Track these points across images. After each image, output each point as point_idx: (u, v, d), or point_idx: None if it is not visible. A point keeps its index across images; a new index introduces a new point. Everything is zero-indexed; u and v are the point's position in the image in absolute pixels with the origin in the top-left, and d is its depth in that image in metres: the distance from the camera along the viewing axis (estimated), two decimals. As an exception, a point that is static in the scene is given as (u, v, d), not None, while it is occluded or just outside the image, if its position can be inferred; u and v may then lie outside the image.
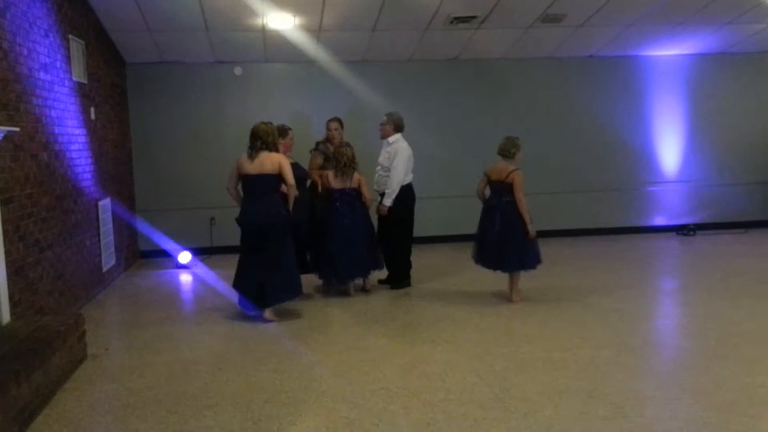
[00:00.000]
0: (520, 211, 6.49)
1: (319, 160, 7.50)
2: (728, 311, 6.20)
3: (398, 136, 7.31)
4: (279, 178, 6.11)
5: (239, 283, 6.32)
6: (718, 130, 10.75)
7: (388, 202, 7.17)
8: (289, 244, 6.26)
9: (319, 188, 7.21)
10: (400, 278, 7.46)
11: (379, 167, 7.32)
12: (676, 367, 4.97)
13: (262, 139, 6.11)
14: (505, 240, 6.53)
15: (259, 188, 6.11)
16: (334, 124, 7.64)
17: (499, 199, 6.64)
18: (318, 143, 7.73)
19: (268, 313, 6.23)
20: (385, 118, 7.42)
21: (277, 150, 6.24)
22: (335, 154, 7.08)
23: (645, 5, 8.46)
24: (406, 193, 7.26)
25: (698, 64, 10.63)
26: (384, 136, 7.36)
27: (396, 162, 7.13)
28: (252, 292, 6.20)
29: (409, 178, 7.29)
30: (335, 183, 6.99)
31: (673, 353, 5.37)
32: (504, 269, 6.73)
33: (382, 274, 7.47)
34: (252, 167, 6.09)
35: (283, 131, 6.91)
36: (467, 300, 6.90)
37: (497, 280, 7.65)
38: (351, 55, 9.52)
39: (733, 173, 10.83)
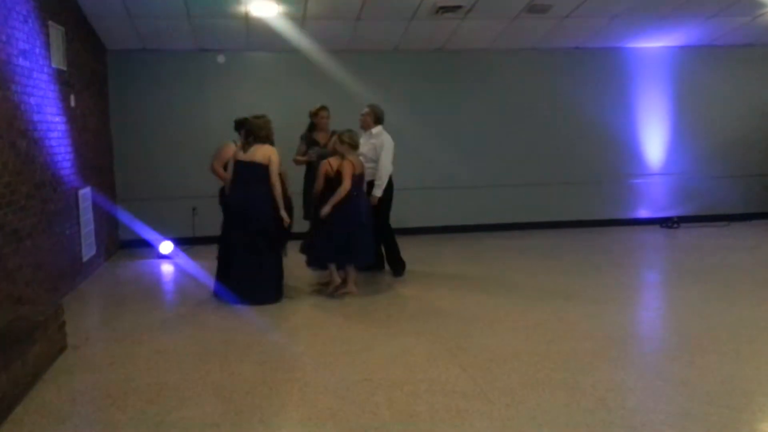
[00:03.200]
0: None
1: (303, 148, 7.57)
2: (711, 303, 6.24)
3: (380, 128, 7.35)
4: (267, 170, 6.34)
5: (224, 278, 6.49)
6: (702, 122, 10.80)
7: (378, 192, 7.21)
8: (278, 231, 6.43)
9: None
10: (396, 265, 7.54)
11: (361, 157, 7.26)
12: (659, 359, 4.99)
13: (254, 134, 6.42)
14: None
15: (249, 175, 6.36)
16: (324, 112, 7.64)
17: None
18: (307, 130, 7.72)
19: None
20: (367, 109, 7.42)
21: (272, 143, 6.47)
22: (347, 144, 6.85)
23: (630, -3, 8.47)
24: (387, 184, 7.34)
25: (683, 57, 10.67)
26: (365, 127, 7.36)
27: (383, 154, 7.20)
28: (239, 287, 6.36)
29: (390, 170, 7.32)
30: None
31: (656, 345, 5.39)
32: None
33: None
34: (245, 155, 6.40)
35: (242, 123, 7.02)
36: (450, 291, 6.89)
37: (480, 272, 7.67)
38: (335, 44, 9.45)
39: (716, 166, 10.89)
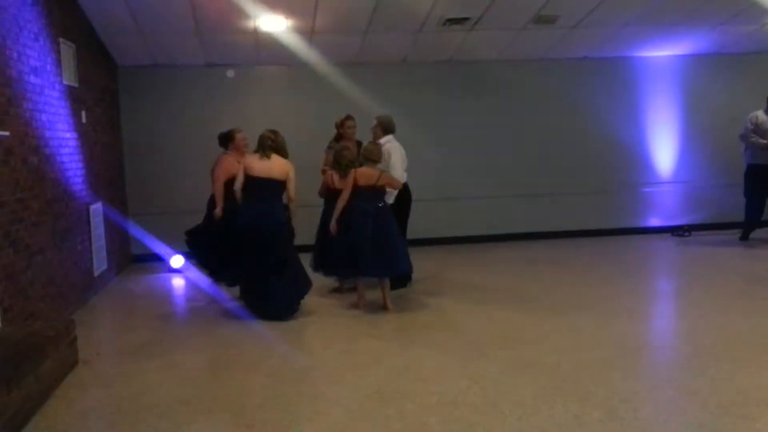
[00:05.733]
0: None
1: (330, 159, 7.47)
2: (723, 313, 6.18)
3: (389, 137, 7.31)
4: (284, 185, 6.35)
5: (249, 298, 6.54)
6: (712, 130, 10.75)
7: (389, 199, 7.15)
8: (293, 252, 6.42)
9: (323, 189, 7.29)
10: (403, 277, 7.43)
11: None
12: (672, 368, 4.96)
13: (266, 145, 6.39)
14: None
15: (263, 191, 6.32)
16: (350, 122, 7.63)
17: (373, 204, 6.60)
18: (332, 141, 7.72)
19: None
20: (375, 121, 7.42)
21: (285, 156, 6.42)
22: (336, 156, 7.06)
23: (638, 6, 8.47)
24: (403, 192, 7.25)
25: (692, 65, 10.65)
26: (375, 139, 7.36)
27: (392, 161, 7.11)
28: (264, 305, 6.36)
29: (404, 177, 7.27)
30: (340, 184, 6.91)
31: (668, 355, 5.35)
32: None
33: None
34: (261, 170, 6.31)
35: (230, 136, 7.18)
36: (460, 303, 6.87)
37: (490, 283, 7.65)
38: (343, 57, 9.49)
39: (727, 174, 10.80)
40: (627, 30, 9.29)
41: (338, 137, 7.69)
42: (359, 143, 7.48)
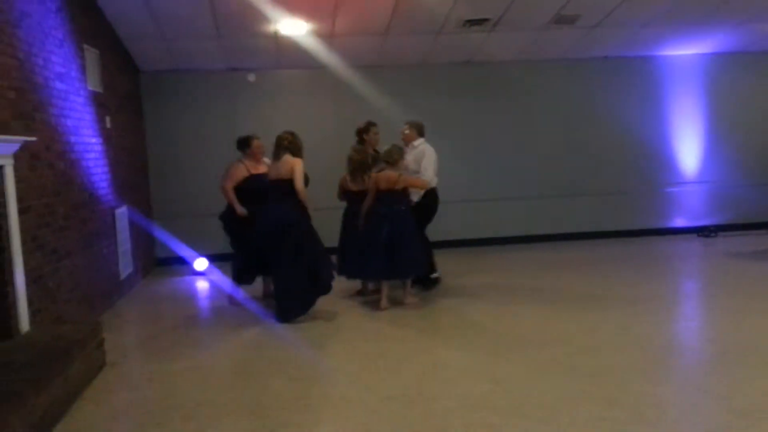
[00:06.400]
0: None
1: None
2: (749, 315, 6.10)
3: (422, 140, 7.41)
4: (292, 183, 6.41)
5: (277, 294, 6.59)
6: (737, 129, 10.63)
7: (414, 197, 7.17)
8: (312, 245, 6.46)
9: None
10: (426, 278, 7.47)
11: (406, 171, 7.34)
12: (697, 372, 4.91)
13: (276, 145, 6.53)
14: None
15: (277, 192, 6.45)
16: (374, 129, 7.61)
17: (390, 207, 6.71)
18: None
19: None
20: (406, 125, 7.50)
21: (299, 155, 6.51)
22: (350, 160, 7.14)
23: (660, 4, 8.39)
24: (431, 195, 7.30)
25: (716, 64, 10.53)
26: (407, 141, 7.41)
27: (425, 162, 7.22)
28: (290, 300, 6.41)
29: (434, 182, 7.31)
30: (353, 185, 7.12)
31: (694, 358, 5.30)
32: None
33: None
34: (272, 173, 6.53)
35: (247, 142, 7.21)
36: (483, 305, 6.85)
37: (512, 284, 7.62)
38: (363, 59, 9.51)
39: (753, 173, 10.70)
40: (648, 29, 9.22)
41: (361, 143, 7.70)
42: (376, 151, 7.56)
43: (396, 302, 6.83)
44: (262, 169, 7.04)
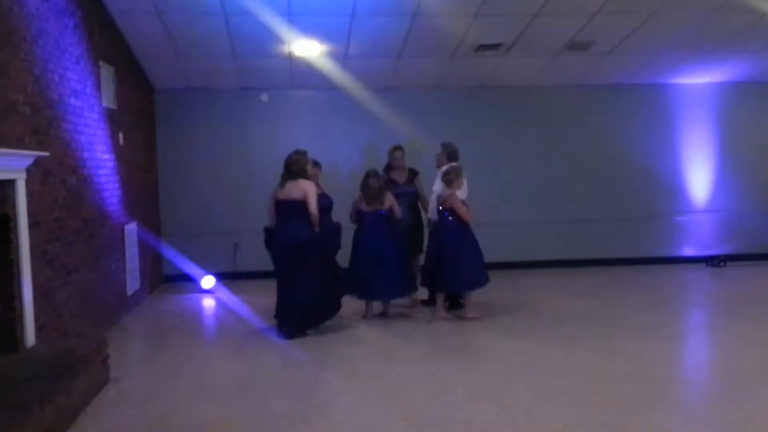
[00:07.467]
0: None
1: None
2: (759, 345, 6.04)
3: (453, 164, 7.43)
4: (305, 204, 6.52)
5: (278, 312, 6.66)
6: (748, 158, 10.58)
7: (432, 215, 7.35)
8: (319, 267, 6.53)
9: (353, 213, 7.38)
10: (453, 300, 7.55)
11: (434, 195, 7.41)
12: (706, 402, 4.85)
13: (289, 169, 6.65)
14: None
15: (287, 212, 6.56)
16: (399, 153, 7.88)
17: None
18: (384, 169, 7.90)
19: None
20: (440, 148, 7.63)
21: (306, 177, 6.65)
22: (363, 186, 7.21)
23: (673, 33, 8.41)
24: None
25: (728, 93, 10.51)
26: (439, 166, 7.52)
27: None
28: (292, 317, 6.49)
29: None
30: (366, 207, 7.21)
31: (703, 388, 5.24)
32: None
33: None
34: (282, 193, 6.60)
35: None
36: (490, 329, 6.80)
37: (520, 309, 7.58)
38: (377, 81, 9.55)
39: (763, 203, 10.63)
40: (661, 57, 9.23)
41: (388, 166, 7.90)
42: (412, 171, 7.87)
43: (405, 328, 6.79)
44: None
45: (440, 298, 7.27)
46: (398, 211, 7.23)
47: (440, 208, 7.11)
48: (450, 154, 7.56)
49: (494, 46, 8.57)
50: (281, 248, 6.59)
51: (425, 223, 7.79)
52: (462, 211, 7.04)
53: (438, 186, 7.40)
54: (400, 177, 7.86)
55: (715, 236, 10.67)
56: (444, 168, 7.26)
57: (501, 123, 10.23)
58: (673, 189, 10.59)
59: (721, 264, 10.27)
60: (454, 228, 7.04)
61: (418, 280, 7.45)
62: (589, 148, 10.34)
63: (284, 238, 6.56)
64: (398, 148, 7.92)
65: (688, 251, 10.68)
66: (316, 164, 7.39)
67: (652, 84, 10.34)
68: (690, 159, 10.58)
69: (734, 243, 10.56)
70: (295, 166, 6.62)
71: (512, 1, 7.40)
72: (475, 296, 7.25)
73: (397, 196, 7.39)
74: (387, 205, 7.16)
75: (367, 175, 7.22)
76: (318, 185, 7.12)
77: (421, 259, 7.68)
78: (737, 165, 10.60)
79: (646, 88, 10.37)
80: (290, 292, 6.50)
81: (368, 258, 7.04)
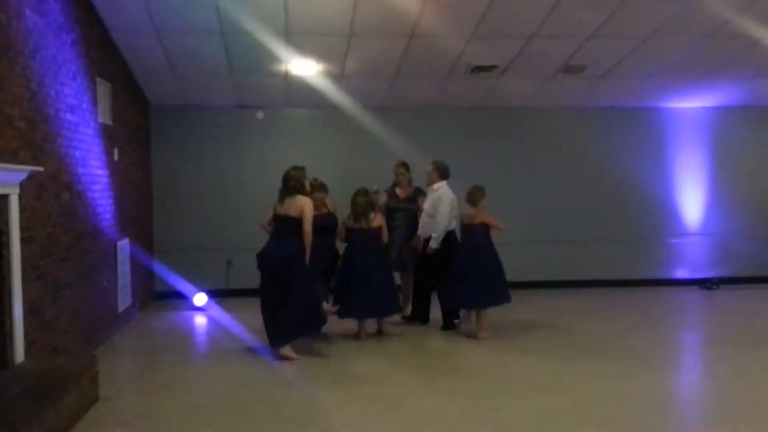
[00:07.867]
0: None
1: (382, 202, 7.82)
2: (752, 369, 6.04)
3: (443, 183, 7.60)
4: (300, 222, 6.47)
5: (265, 324, 6.59)
6: (741, 182, 10.64)
7: (434, 244, 7.40)
8: (303, 282, 6.43)
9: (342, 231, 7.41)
10: (448, 320, 7.59)
11: (423, 213, 7.49)
12: (700, 425, 4.83)
13: (286, 184, 6.61)
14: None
15: (283, 228, 6.53)
16: (399, 169, 8.05)
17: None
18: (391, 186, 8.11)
19: (285, 350, 6.33)
20: (431, 165, 7.70)
21: (304, 193, 6.61)
22: (351, 203, 7.25)
23: (667, 57, 8.49)
24: (448, 239, 7.49)
25: (721, 117, 10.59)
26: (430, 183, 7.55)
27: (441, 207, 7.41)
28: (268, 328, 6.47)
29: (452, 225, 7.50)
30: (353, 224, 7.23)
31: (696, 412, 5.22)
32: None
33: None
34: (281, 209, 6.58)
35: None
36: (486, 349, 6.78)
37: (514, 331, 7.56)
38: (373, 101, 9.58)
39: (756, 226, 10.67)
40: (655, 81, 9.31)
41: (394, 183, 8.12)
42: (417, 189, 8.01)
43: (396, 349, 6.76)
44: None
45: (472, 316, 7.37)
46: (386, 235, 7.27)
47: (467, 224, 7.23)
48: (441, 171, 7.63)
49: (490, 68, 8.63)
50: (267, 259, 6.53)
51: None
52: (494, 222, 7.19)
53: (428, 204, 7.43)
54: (402, 192, 8.03)
55: (708, 259, 10.70)
56: (468, 189, 7.34)
57: (495, 144, 10.26)
58: (666, 212, 10.62)
59: (714, 287, 10.28)
60: (483, 245, 7.17)
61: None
62: (583, 170, 10.37)
63: (271, 251, 6.54)
64: (399, 164, 8.06)
65: (682, 274, 10.69)
66: (323, 187, 7.40)
67: (645, 107, 10.42)
68: (683, 182, 10.64)
69: (727, 266, 10.58)
70: (293, 182, 6.60)
71: (508, 23, 7.46)
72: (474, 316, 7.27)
73: (394, 210, 7.51)
74: (376, 224, 7.17)
75: (357, 193, 7.25)
76: (326, 205, 7.34)
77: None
78: (730, 188, 10.66)
79: (640, 112, 10.44)
80: (274, 305, 6.42)
81: (355, 275, 7.02)
